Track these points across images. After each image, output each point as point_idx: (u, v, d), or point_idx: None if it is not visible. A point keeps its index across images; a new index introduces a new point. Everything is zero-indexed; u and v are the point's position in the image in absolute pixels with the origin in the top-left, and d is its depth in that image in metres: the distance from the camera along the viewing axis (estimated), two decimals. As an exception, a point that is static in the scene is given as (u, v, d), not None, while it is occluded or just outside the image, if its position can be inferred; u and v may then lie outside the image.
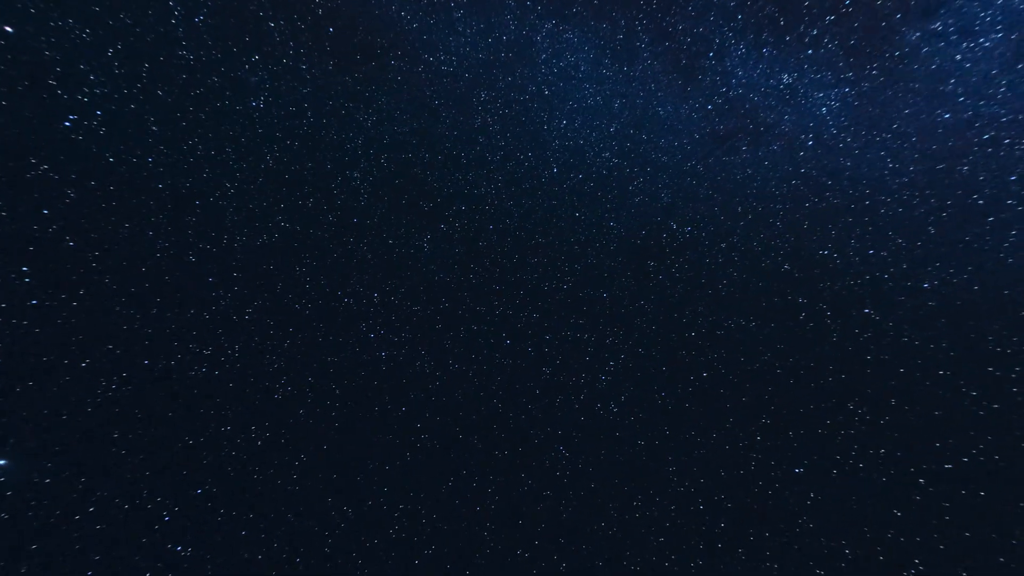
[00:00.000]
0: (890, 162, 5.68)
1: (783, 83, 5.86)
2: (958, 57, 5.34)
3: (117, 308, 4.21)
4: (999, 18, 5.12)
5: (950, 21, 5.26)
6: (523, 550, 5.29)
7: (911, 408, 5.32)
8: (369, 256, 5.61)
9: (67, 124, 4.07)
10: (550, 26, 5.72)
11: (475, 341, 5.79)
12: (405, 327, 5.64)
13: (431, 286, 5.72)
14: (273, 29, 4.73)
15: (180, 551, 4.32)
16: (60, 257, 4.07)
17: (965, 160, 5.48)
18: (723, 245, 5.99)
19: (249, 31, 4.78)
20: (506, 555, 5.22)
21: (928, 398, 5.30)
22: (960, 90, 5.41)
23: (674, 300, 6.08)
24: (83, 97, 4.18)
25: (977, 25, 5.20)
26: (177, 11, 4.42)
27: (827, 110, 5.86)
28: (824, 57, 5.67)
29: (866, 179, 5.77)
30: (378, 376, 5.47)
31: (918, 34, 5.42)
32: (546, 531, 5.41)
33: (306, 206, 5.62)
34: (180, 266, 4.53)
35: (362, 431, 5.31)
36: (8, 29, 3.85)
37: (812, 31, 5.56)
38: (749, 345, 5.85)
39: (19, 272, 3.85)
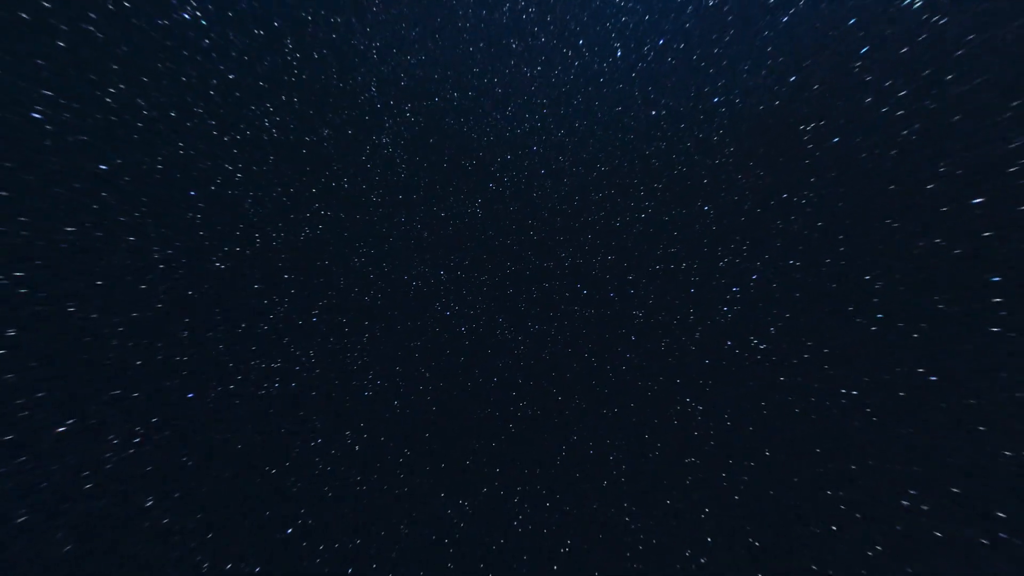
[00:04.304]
0: None
1: None
2: None
3: (127, 343, 3.27)
4: None
5: None
6: (684, 544, 4.21)
7: None
8: (425, 234, 5.21)
9: None
10: None
11: (550, 298, 5.14)
12: (478, 298, 5.16)
13: (493, 251, 5.21)
14: None
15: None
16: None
17: None
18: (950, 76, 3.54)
19: None
20: (663, 550, 4.18)
21: None
22: None
23: (844, 194, 4.12)
24: None
25: None
26: None
27: None
28: None
29: None
30: (463, 352, 5.01)
31: None
32: (701, 508, 4.28)
33: (341, 188, 5.15)
34: (207, 277, 3.85)
35: (459, 411, 4.83)
36: None
37: None
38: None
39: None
